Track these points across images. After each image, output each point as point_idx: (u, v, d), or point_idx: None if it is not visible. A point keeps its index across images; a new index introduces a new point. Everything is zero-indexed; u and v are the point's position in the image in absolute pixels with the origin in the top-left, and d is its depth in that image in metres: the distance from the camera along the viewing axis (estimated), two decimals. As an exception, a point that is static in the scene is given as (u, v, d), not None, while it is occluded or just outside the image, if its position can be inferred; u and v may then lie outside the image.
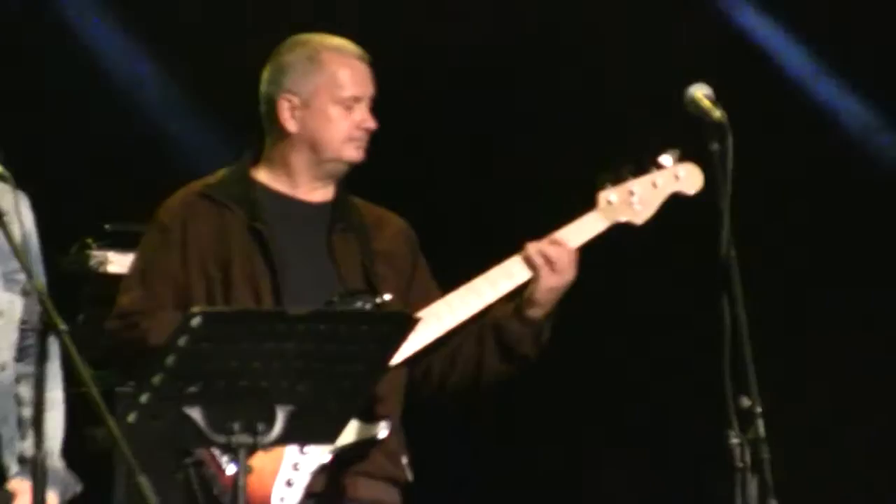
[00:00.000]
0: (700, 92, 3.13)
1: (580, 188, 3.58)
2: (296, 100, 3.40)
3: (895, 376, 4.86)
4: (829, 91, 4.79)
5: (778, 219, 4.34)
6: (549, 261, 3.38)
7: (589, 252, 3.53)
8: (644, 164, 3.54)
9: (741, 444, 2.97)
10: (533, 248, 3.43)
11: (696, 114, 3.10)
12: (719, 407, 2.98)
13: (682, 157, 3.54)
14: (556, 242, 3.44)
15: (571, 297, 3.53)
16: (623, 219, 3.51)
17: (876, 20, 5.05)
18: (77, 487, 3.15)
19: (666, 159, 3.59)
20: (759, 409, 2.98)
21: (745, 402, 3.01)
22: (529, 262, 3.40)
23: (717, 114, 3.06)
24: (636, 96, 4.14)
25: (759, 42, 4.74)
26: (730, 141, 3.04)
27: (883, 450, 4.73)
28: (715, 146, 3.05)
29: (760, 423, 2.98)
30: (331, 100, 3.41)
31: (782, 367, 3.43)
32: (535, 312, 3.40)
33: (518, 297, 3.47)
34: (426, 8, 5.41)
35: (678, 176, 3.57)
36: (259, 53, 3.62)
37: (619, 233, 3.54)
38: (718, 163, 3.04)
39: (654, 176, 3.53)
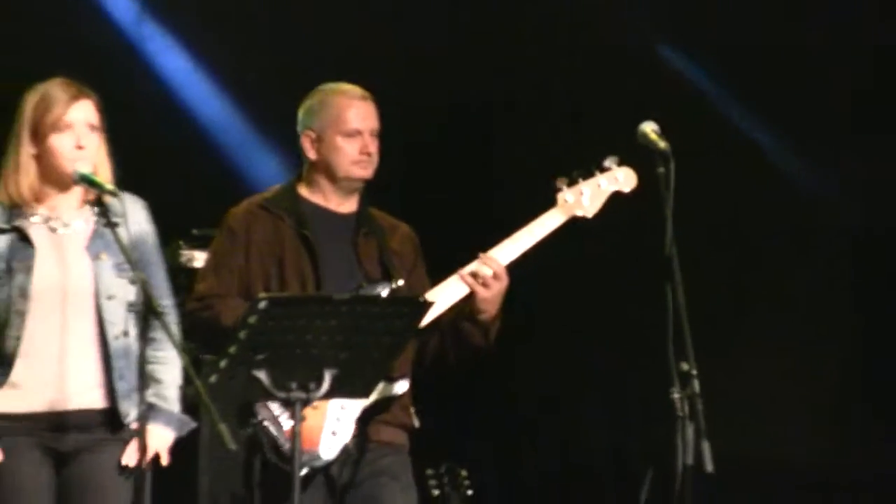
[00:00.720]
0: (649, 127, 3.92)
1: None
2: (313, 134, 4.28)
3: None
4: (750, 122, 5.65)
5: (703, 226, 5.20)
6: (477, 278, 4.23)
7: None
8: (591, 169, 4.40)
9: (681, 399, 3.68)
10: (465, 269, 4.25)
11: (645, 144, 3.89)
12: (665, 370, 3.70)
13: (621, 163, 4.43)
14: (485, 261, 4.25)
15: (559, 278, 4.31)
16: (578, 213, 4.35)
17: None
18: (192, 424, 3.99)
19: (609, 163, 4.48)
20: (694, 372, 3.69)
21: (684, 366, 3.72)
22: (464, 281, 4.25)
23: (662, 144, 3.85)
24: (603, 133, 4.95)
25: (696, 86, 5.59)
26: (672, 165, 3.85)
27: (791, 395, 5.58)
28: (661, 169, 3.81)
29: (696, 383, 3.68)
30: (337, 133, 4.28)
31: (714, 340, 4.20)
32: (482, 316, 4.22)
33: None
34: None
35: (617, 178, 4.44)
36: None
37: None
38: (664, 182, 3.84)
39: (599, 178, 4.36)
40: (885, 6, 6.18)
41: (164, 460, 3.90)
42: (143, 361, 3.69)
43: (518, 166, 6.32)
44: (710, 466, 3.71)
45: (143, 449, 3.71)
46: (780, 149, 5.56)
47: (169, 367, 3.93)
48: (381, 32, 6.43)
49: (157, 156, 4.77)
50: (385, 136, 4.37)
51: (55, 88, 3.89)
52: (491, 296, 4.24)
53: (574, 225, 4.32)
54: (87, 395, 3.87)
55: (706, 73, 5.72)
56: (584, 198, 4.37)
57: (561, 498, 5.90)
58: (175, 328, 3.88)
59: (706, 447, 3.70)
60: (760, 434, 5.00)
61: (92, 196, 3.83)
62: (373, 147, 4.33)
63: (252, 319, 3.60)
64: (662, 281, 3.76)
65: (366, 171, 4.34)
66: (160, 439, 3.89)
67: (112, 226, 3.76)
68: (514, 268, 4.23)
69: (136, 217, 3.90)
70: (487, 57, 6.43)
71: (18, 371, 3.83)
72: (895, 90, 6.11)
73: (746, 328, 5.17)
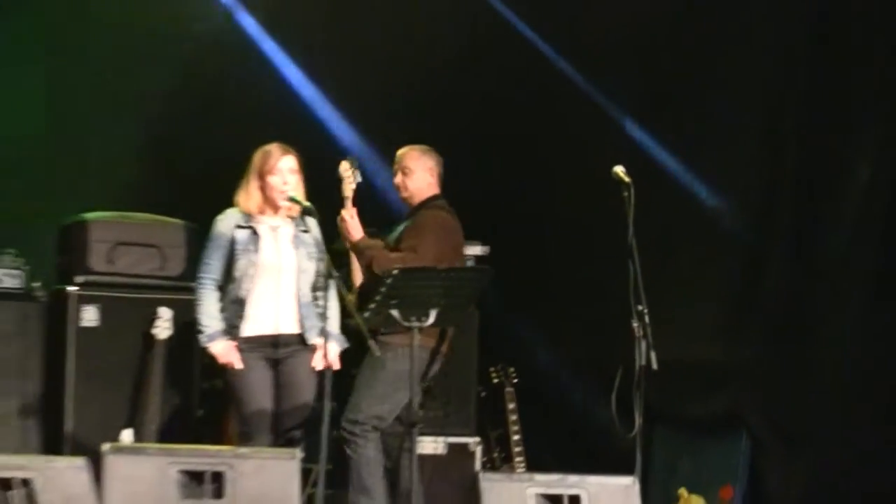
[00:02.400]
0: (619, 169, 6.22)
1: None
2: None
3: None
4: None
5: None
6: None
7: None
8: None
9: (638, 326, 6.02)
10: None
11: (617, 179, 6.21)
12: (626, 310, 6.03)
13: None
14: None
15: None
16: None
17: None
18: (346, 344, 6.51)
19: None
20: (645, 311, 6.00)
21: (640, 307, 6.06)
22: None
23: (627, 180, 6.16)
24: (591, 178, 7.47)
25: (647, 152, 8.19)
26: (632, 191, 6.14)
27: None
28: (626, 194, 6.12)
29: (647, 316, 6.00)
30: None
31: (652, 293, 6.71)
32: None
33: None
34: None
35: None
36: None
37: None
38: (628, 202, 6.11)
39: None
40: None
41: (336, 365, 6.36)
42: (324, 309, 6.30)
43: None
44: (655, 366, 6.07)
45: (323, 357, 6.29)
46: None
47: (333, 309, 6.42)
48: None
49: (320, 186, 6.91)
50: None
51: (273, 147, 6.44)
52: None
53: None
54: (289, 325, 6.36)
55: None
56: None
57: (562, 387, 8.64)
58: (341, 286, 6.51)
59: (653, 355, 6.07)
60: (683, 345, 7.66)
61: (294, 212, 6.47)
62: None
63: (389, 280, 6.15)
64: (627, 257, 6.12)
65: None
66: (331, 351, 6.30)
67: (305, 231, 6.43)
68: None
69: (314, 226, 6.50)
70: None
71: (249, 310, 6.33)
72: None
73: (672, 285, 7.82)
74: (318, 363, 6.37)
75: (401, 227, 6.89)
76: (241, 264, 6.33)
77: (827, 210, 7.87)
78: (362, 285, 6.82)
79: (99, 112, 8.54)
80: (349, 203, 6.72)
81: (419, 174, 6.93)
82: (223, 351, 6.33)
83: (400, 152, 6.96)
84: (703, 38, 8.33)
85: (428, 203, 6.94)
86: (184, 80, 8.66)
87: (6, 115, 8.31)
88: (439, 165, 7.01)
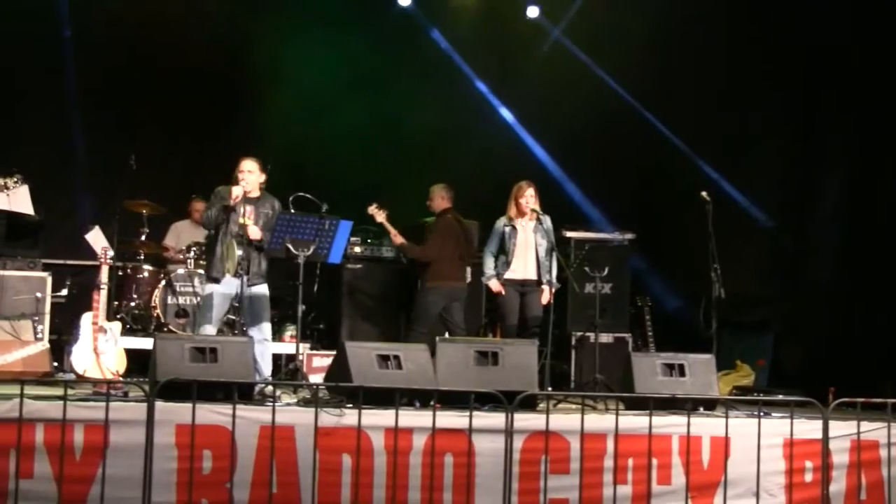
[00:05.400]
0: (704, 193, 11.86)
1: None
2: None
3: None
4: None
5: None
6: None
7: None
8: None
9: (714, 275, 11.26)
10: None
11: (702, 199, 12.13)
12: (707, 267, 11.32)
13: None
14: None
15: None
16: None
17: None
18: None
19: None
20: (718, 267, 11.09)
21: (715, 266, 11.07)
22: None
23: (708, 199, 12.23)
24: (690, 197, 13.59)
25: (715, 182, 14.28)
26: (710, 206, 11.61)
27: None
28: (707, 207, 11.44)
29: (718, 270, 11.10)
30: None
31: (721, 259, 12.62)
32: None
33: None
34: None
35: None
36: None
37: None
38: (709, 212, 12.01)
39: None
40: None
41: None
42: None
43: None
44: (723, 296, 10.85)
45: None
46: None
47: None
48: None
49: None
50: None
51: (523, 183, 11.79)
52: None
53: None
54: (531, 273, 11.88)
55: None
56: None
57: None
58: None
59: (721, 290, 10.92)
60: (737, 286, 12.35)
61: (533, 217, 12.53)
62: None
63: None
64: (708, 241, 10.98)
65: None
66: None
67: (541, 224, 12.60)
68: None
69: (547, 221, 12.54)
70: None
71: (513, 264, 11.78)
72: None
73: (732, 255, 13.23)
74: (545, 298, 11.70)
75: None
76: (507, 244, 11.77)
77: (812, 210, 13.24)
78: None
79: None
80: (389, 226, 12.05)
81: (436, 200, 12.16)
82: (495, 285, 11.63)
83: (431, 188, 12.23)
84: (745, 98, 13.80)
85: (441, 214, 12.06)
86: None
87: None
88: (450, 192, 12.09)
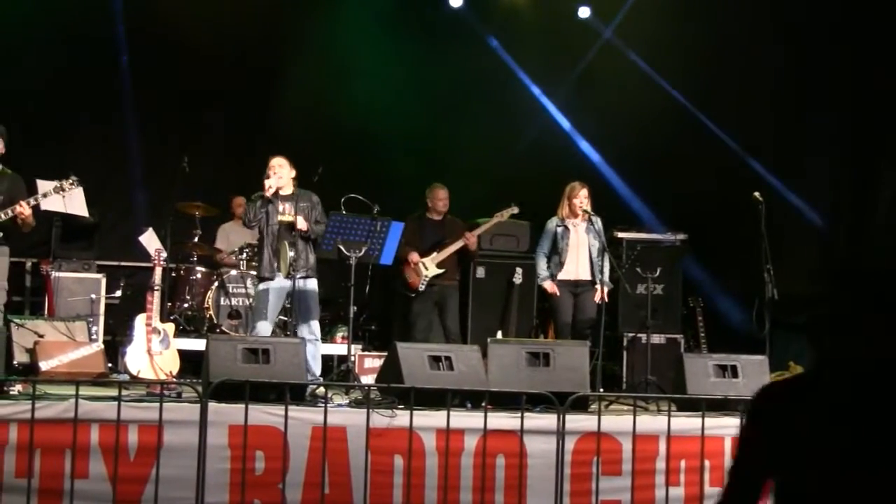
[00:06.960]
0: (756, 193, 12.35)
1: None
2: None
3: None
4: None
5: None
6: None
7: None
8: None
9: (767, 276, 11.21)
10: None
11: (754, 200, 12.41)
12: (760, 268, 11.61)
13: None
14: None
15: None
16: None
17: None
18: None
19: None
20: (770, 268, 11.13)
21: (768, 266, 11.12)
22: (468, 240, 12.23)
23: (760, 199, 12.36)
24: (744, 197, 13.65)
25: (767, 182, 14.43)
26: (763, 206, 12.01)
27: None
28: (760, 207, 11.66)
29: (771, 271, 11.20)
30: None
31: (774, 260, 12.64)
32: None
33: None
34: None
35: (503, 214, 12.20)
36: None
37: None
38: (761, 212, 12.26)
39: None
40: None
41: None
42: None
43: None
44: (776, 297, 10.98)
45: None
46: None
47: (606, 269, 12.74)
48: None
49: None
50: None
51: (576, 183, 12.06)
52: None
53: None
54: (584, 273, 12.26)
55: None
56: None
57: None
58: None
59: (774, 291, 10.99)
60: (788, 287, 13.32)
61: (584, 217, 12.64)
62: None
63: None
64: (760, 241, 11.08)
65: None
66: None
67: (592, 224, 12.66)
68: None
69: (598, 222, 12.69)
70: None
71: (566, 265, 12.10)
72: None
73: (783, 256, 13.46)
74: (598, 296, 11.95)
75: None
76: (560, 245, 12.14)
77: (865, 211, 13.42)
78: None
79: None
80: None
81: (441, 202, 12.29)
82: (550, 286, 11.91)
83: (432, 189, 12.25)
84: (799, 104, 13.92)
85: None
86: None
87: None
88: (444, 192, 12.14)
